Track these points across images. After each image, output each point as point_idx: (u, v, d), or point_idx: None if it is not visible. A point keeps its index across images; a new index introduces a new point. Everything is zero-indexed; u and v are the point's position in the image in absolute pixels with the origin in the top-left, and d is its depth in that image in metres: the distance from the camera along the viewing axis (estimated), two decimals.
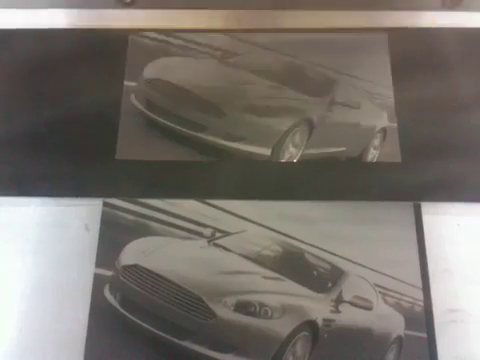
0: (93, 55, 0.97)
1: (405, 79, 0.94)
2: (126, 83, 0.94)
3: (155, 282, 0.78)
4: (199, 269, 0.80)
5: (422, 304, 0.80)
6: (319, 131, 0.91)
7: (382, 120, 0.92)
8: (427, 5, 1.01)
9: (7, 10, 1.02)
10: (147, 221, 0.85)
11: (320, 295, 0.80)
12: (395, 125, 0.91)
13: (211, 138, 0.90)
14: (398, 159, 0.88)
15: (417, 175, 0.87)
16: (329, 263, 0.82)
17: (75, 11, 1.02)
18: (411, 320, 0.79)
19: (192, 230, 0.84)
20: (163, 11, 1.02)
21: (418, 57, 0.96)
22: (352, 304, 0.80)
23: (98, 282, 0.80)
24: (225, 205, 0.85)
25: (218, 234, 0.84)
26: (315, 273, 0.82)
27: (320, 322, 0.77)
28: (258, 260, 0.82)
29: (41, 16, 1.01)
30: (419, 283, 0.81)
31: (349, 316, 0.79)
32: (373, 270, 0.81)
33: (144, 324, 0.77)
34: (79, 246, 0.84)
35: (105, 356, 0.77)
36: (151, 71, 0.95)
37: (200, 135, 0.90)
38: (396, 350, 0.78)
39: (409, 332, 0.79)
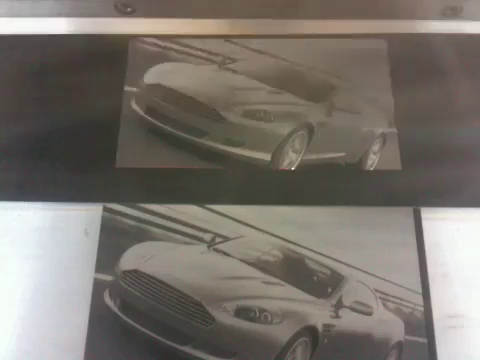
0: (93, 60, 0.97)
1: (404, 85, 0.94)
2: (126, 88, 0.94)
3: (155, 287, 0.78)
4: (199, 274, 0.80)
5: (422, 309, 0.80)
6: (319, 136, 0.92)
7: (382, 125, 0.92)
8: (427, 15, 1.01)
9: (11, 19, 1.03)
10: (147, 226, 0.85)
11: (320, 300, 0.80)
12: (394, 130, 0.91)
13: (211, 143, 0.90)
14: (398, 164, 0.89)
15: (417, 180, 0.87)
16: (329, 268, 0.82)
17: (76, 20, 1.03)
18: (411, 325, 0.79)
19: (192, 235, 0.84)
20: (163, 20, 1.02)
21: (417, 63, 0.96)
22: (352, 309, 0.80)
23: (98, 287, 0.80)
24: (225, 210, 0.85)
25: (218, 239, 0.84)
26: (315, 278, 0.82)
27: (320, 327, 0.77)
28: (258, 265, 0.82)
29: (42, 24, 1.02)
30: (419, 288, 0.81)
31: (349, 321, 0.79)
32: (373, 275, 0.81)
33: (144, 329, 0.77)
34: (79, 251, 0.84)
35: None
36: (151, 76, 0.95)
37: (200, 140, 0.90)
38: (396, 355, 0.78)
39: (409, 337, 0.79)
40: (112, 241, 0.83)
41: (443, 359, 0.77)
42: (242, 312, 0.76)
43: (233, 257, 0.83)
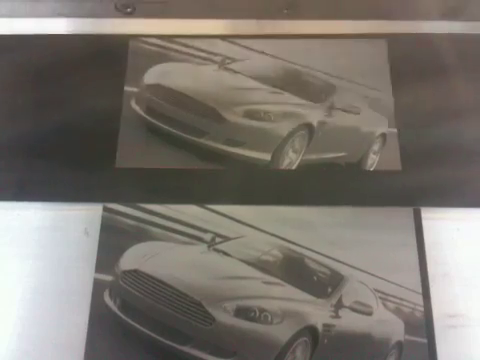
0: (93, 60, 0.97)
1: (404, 84, 0.94)
2: (126, 88, 0.94)
3: (155, 287, 0.78)
4: (199, 274, 0.80)
5: (422, 309, 0.80)
6: (319, 136, 0.92)
7: (382, 125, 0.92)
8: (427, 15, 1.01)
9: (11, 19, 1.03)
10: (147, 226, 0.85)
11: (320, 300, 0.80)
12: (395, 130, 0.91)
13: (211, 143, 0.90)
14: (398, 164, 0.89)
15: (417, 180, 0.87)
16: (329, 268, 0.82)
17: (76, 20, 1.03)
18: (411, 325, 0.79)
19: (192, 235, 0.84)
20: (163, 20, 1.02)
21: (417, 63, 0.96)
22: (352, 309, 0.80)
23: (98, 287, 0.80)
24: (225, 210, 0.85)
25: (218, 239, 0.84)
26: (315, 278, 0.82)
27: (320, 327, 0.77)
28: (258, 265, 0.82)
29: (42, 24, 1.02)
30: (419, 288, 0.81)
31: (349, 321, 0.79)
32: (373, 275, 0.81)
33: (144, 329, 0.77)
34: (79, 251, 0.84)
35: None
36: (151, 76, 0.95)
37: (200, 140, 0.90)
38: (396, 355, 0.78)
39: (409, 337, 0.79)
40: (112, 241, 0.83)
41: (443, 359, 0.77)
42: (242, 312, 0.76)
43: (233, 257, 0.83)
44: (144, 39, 0.99)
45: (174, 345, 0.76)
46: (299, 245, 0.84)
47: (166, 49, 0.98)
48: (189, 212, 0.85)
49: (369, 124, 0.93)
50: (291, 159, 0.90)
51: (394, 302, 0.80)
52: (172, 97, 0.93)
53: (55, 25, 1.02)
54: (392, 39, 0.98)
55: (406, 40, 0.99)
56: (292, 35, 1.00)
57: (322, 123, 0.92)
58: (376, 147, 0.92)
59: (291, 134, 0.90)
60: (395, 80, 0.95)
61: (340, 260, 0.82)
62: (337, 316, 0.79)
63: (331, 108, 0.94)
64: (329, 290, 0.81)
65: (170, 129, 0.91)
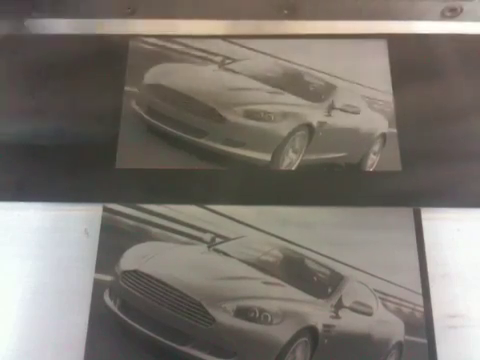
0: (93, 60, 0.97)
1: (405, 85, 0.94)
2: (127, 89, 0.94)
3: (155, 287, 0.78)
4: (199, 274, 0.80)
5: (422, 309, 0.80)
6: (319, 136, 0.92)
7: (382, 126, 0.92)
8: (426, 16, 1.01)
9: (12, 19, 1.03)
10: (147, 226, 0.85)
11: (320, 300, 0.80)
12: (395, 130, 0.91)
13: (211, 143, 0.90)
14: (398, 165, 0.88)
15: (417, 181, 0.87)
16: (329, 268, 0.82)
17: (76, 20, 1.02)
18: (411, 325, 0.79)
19: (192, 235, 0.84)
20: (163, 20, 1.02)
21: (418, 63, 0.97)
22: (352, 310, 0.80)
23: (98, 287, 0.80)
24: (225, 210, 0.85)
25: (218, 239, 0.84)
26: (315, 278, 0.82)
27: (320, 328, 0.77)
28: (258, 265, 0.82)
29: (42, 24, 1.02)
30: (419, 288, 0.81)
31: (349, 322, 0.79)
32: (373, 275, 0.81)
33: (144, 329, 0.77)
34: (79, 251, 0.84)
35: None
36: (152, 77, 0.95)
37: (200, 141, 0.90)
38: (396, 356, 0.78)
39: (409, 338, 0.79)
40: (112, 241, 0.83)
41: (443, 359, 0.77)
42: (242, 312, 0.76)
43: (233, 257, 0.83)
44: (144, 39, 0.99)
45: (174, 345, 0.76)
46: (299, 245, 0.84)
47: (166, 49, 0.99)
48: (189, 212, 0.85)
49: (369, 124, 0.93)
50: (291, 159, 0.90)
51: (394, 302, 0.80)
52: (172, 97, 0.93)
53: (55, 25, 1.02)
54: (392, 39, 0.98)
55: (406, 40, 0.99)
56: (292, 35, 1.00)
57: (322, 123, 0.92)
58: (376, 147, 0.92)
59: (291, 134, 0.91)
60: (395, 80, 0.95)
61: (340, 260, 0.82)
62: (337, 316, 0.79)
63: (331, 108, 0.94)
64: (329, 290, 0.81)
65: (170, 129, 0.91)
